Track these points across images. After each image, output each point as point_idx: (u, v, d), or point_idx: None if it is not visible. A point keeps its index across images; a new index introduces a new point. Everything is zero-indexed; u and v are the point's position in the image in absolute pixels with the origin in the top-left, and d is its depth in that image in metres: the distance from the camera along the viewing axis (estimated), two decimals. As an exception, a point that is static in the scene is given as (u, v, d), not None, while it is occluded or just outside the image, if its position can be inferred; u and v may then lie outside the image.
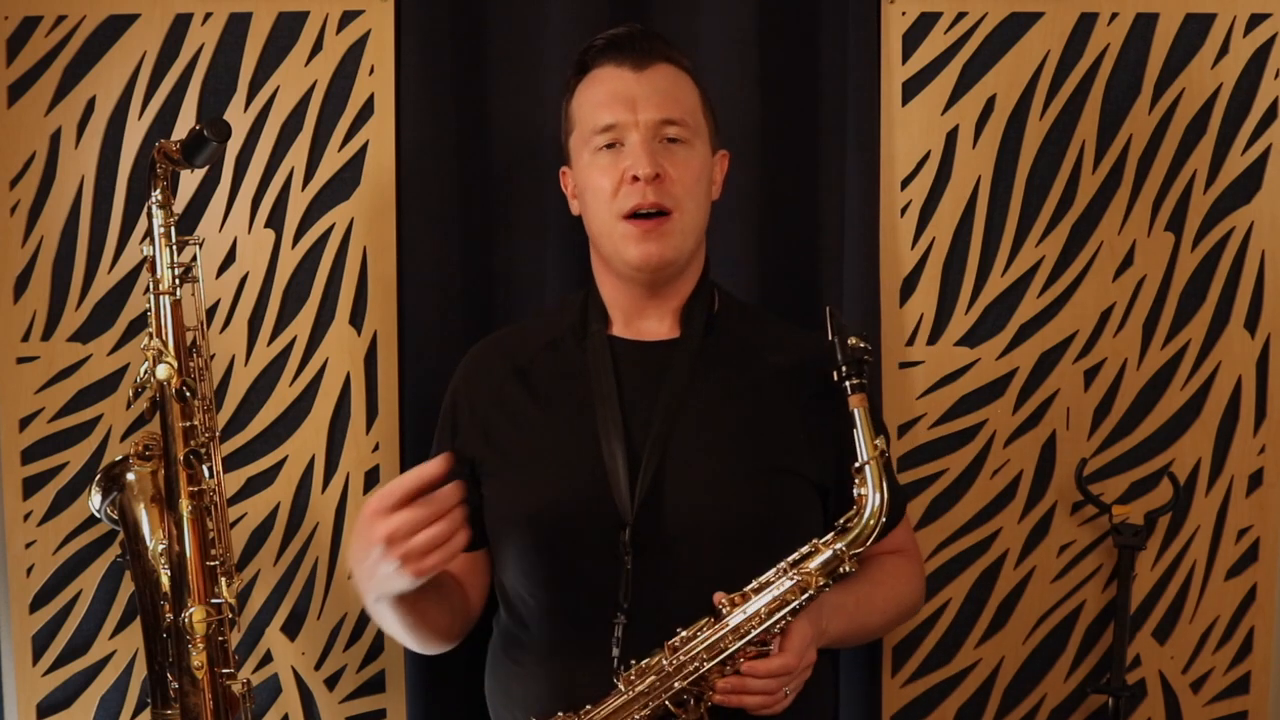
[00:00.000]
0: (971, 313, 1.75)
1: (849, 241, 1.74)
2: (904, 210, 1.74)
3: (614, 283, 1.52)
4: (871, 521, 1.33)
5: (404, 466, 1.74)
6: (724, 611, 1.33)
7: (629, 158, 1.44)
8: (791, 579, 1.33)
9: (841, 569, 1.33)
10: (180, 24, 1.71)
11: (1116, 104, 1.72)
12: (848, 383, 1.36)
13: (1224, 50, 1.71)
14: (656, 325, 1.52)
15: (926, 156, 1.74)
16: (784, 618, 1.33)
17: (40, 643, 1.75)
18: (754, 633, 1.32)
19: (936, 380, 1.75)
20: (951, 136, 1.73)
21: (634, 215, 1.44)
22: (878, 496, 1.33)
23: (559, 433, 1.47)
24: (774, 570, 1.34)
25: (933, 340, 1.75)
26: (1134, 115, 1.72)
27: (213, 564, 1.46)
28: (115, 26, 1.71)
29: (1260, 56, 1.71)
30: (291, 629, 1.76)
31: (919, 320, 1.75)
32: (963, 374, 1.75)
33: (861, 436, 1.34)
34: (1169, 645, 1.77)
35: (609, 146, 1.46)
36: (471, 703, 1.72)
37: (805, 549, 1.35)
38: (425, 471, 1.25)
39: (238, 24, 1.71)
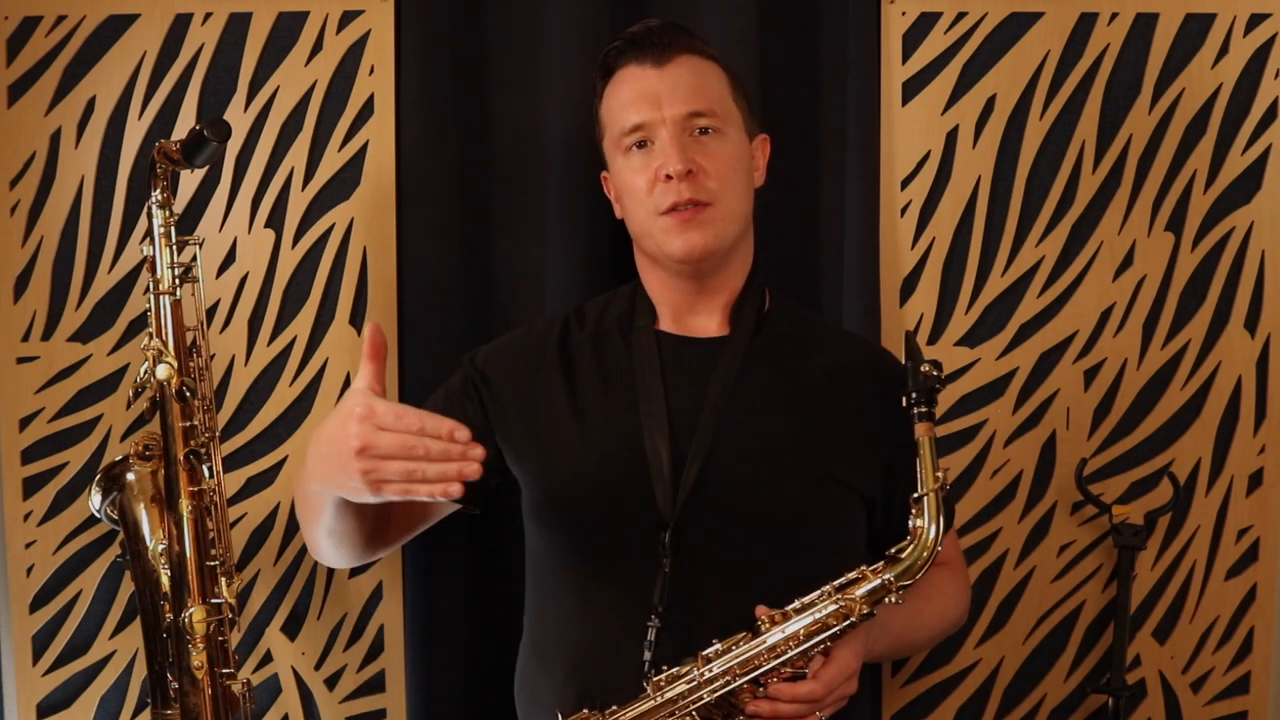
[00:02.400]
0: (971, 313, 1.75)
1: (849, 241, 1.74)
2: (904, 210, 1.74)
3: (662, 279, 1.50)
4: (925, 554, 1.29)
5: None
6: (763, 628, 1.30)
7: (659, 156, 1.42)
8: (835, 603, 1.29)
9: (887, 599, 1.29)
10: (180, 24, 1.71)
11: (1116, 104, 1.72)
12: (915, 410, 1.31)
13: (1224, 50, 1.71)
14: (705, 322, 1.50)
15: (926, 156, 1.74)
16: (822, 642, 1.29)
17: (40, 643, 1.74)
18: (790, 654, 1.29)
19: (936, 380, 1.74)
20: (951, 136, 1.73)
21: (671, 210, 1.42)
22: (934, 529, 1.29)
23: (602, 428, 1.44)
24: (818, 592, 1.30)
25: (933, 340, 1.75)
26: (1134, 115, 1.72)
27: (213, 564, 1.46)
28: (115, 26, 1.71)
29: (1260, 56, 1.71)
30: (291, 629, 1.76)
31: (919, 320, 1.75)
32: (963, 374, 1.75)
33: (923, 467, 1.29)
34: (1169, 645, 1.77)
35: (640, 146, 1.45)
36: (471, 703, 1.73)
37: (853, 574, 1.31)
38: (446, 428, 1.17)
39: (238, 24, 1.71)
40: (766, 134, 1.56)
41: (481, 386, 1.52)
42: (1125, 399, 1.75)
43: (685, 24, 1.56)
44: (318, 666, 1.76)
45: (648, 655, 1.34)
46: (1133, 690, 1.72)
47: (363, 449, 1.17)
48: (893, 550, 1.31)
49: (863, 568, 1.31)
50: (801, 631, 1.29)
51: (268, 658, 1.76)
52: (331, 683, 1.76)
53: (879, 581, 1.29)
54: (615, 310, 1.53)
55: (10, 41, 1.71)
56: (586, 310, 1.57)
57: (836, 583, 1.31)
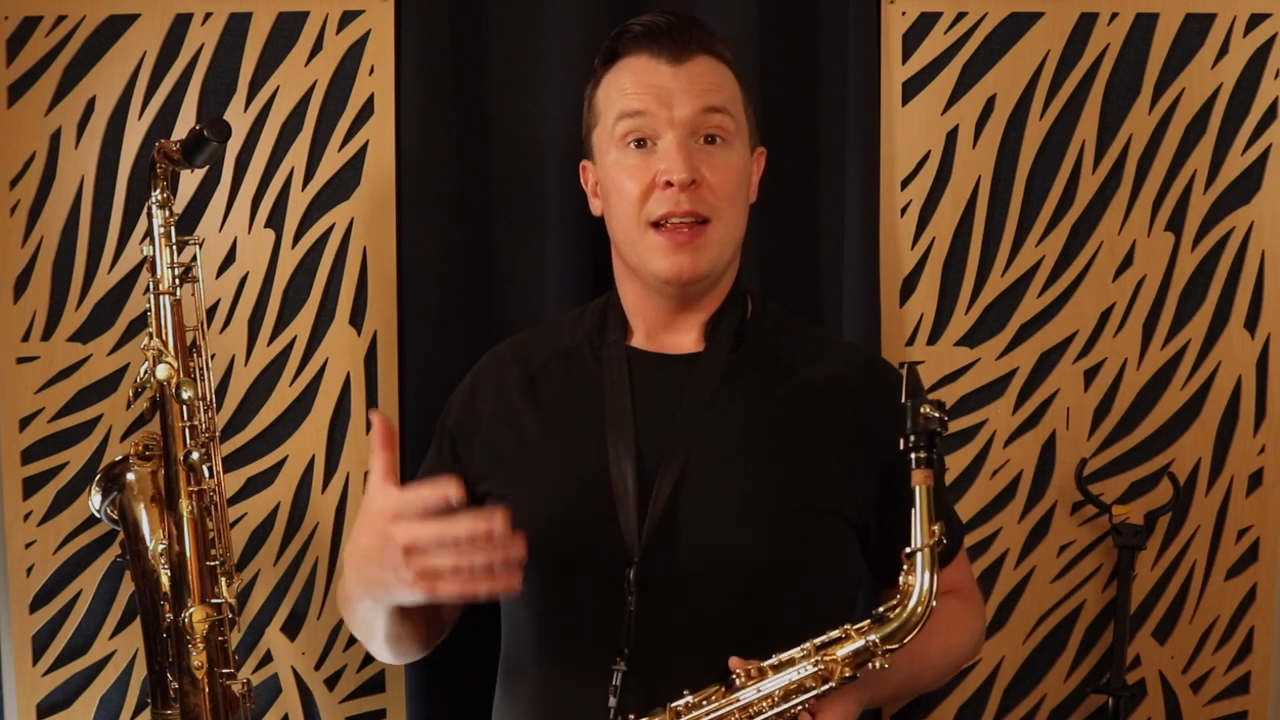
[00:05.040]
0: (971, 313, 1.75)
1: (849, 241, 1.74)
2: (904, 210, 1.74)
3: (638, 291, 1.40)
4: (919, 610, 1.17)
5: (405, 466, 1.73)
6: (737, 683, 1.20)
7: (662, 160, 1.30)
8: (815, 664, 1.19)
9: (872, 663, 1.18)
10: (180, 24, 1.71)
11: (1116, 104, 1.72)
12: (913, 455, 1.17)
13: (1224, 50, 1.71)
14: (681, 338, 1.39)
15: (926, 156, 1.74)
16: (800, 704, 1.19)
17: (40, 643, 1.74)
18: (765, 715, 1.19)
19: (936, 380, 1.74)
20: (951, 136, 1.73)
21: (665, 222, 1.31)
22: (925, 584, 1.17)
23: (565, 452, 1.34)
24: (798, 649, 1.20)
25: (933, 340, 1.75)
26: (1134, 115, 1.72)
27: (213, 564, 1.46)
28: (115, 26, 1.71)
29: (1260, 56, 1.71)
30: (291, 629, 1.76)
31: (919, 320, 1.75)
32: (963, 374, 1.75)
33: (919, 519, 1.17)
34: (1169, 645, 1.77)
35: (639, 145, 1.33)
36: (471, 704, 1.72)
37: (836, 633, 1.20)
38: (442, 494, 1.14)
39: (238, 24, 1.71)
40: (764, 147, 1.47)
41: (459, 447, 1.44)
42: (1125, 399, 1.75)
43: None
44: (318, 666, 1.76)
45: (613, 701, 1.24)
46: (1133, 690, 1.72)
47: (409, 548, 1.13)
48: (881, 609, 1.20)
49: (846, 626, 1.20)
50: (778, 693, 1.19)
51: (268, 658, 1.76)
52: (331, 683, 1.76)
53: (863, 643, 1.18)
54: (586, 325, 1.43)
55: (10, 41, 1.71)
56: (556, 324, 1.50)
57: (817, 641, 1.20)
